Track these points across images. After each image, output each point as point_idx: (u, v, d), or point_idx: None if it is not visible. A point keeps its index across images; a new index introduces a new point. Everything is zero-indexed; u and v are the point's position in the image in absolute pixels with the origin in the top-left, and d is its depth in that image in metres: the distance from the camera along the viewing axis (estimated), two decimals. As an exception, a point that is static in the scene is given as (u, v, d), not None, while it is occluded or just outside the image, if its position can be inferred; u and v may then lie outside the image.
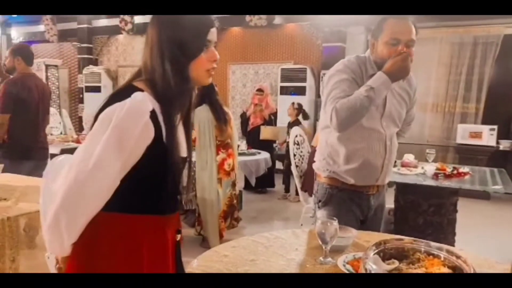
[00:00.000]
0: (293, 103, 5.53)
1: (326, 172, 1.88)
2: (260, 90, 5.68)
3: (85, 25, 8.79)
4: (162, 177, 1.07)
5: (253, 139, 5.52)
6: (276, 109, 6.01)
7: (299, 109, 5.47)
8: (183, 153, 1.16)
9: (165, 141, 1.04)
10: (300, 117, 5.48)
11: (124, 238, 1.06)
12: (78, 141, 4.94)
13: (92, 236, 1.04)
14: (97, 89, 8.60)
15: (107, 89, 8.67)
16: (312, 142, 4.08)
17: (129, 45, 8.68)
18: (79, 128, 8.65)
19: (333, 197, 1.87)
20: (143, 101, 1.01)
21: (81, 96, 9.11)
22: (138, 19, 8.01)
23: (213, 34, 1.10)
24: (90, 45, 9.02)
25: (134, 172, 1.02)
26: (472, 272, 0.96)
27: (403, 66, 1.63)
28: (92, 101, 8.49)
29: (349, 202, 1.85)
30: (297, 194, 5.33)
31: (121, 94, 1.03)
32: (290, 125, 5.24)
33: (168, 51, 1.05)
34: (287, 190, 5.49)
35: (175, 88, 1.05)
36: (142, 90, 1.04)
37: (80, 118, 9.03)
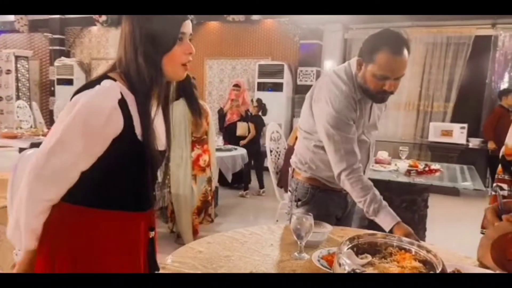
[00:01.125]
0: (252, 100, 5.63)
1: (307, 173, 1.85)
2: (237, 85, 5.67)
3: (57, 16, 8.53)
4: (134, 171, 1.05)
5: (230, 135, 5.51)
6: None
7: (259, 105, 5.53)
8: (161, 146, 1.14)
9: (138, 133, 1.02)
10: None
11: (90, 233, 1.04)
12: (49, 135, 4.79)
13: (57, 230, 1.02)
14: (69, 82, 8.38)
15: (80, 82, 8.45)
16: (288, 140, 4.10)
17: (103, 37, 8.49)
18: (50, 121, 8.41)
19: (315, 197, 1.84)
20: (111, 88, 1.01)
21: (52, 89, 8.86)
22: (113, 11, 7.83)
23: (187, 26, 1.08)
24: (63, 37, 8.78)
25: (101, 164, 1.01)
26: (441, 265, 0.99)
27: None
28: (64, 94, 8.27)
29: (329, 202, 1.86)
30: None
31: (93, 83, 1.03)
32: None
33: (141, 45, 1.04)
34: (261, 186, 5.53)
35: (149, 82, 1.04)
36: (114, 80, 1.03)
37: (51, 112, 8.77)
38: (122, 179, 1.05)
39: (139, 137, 1.03)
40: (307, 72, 6.68)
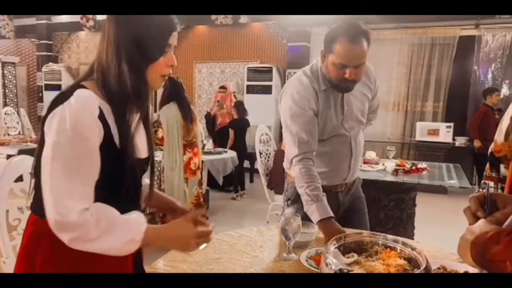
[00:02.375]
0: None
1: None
2: (223, 87, 5.69)
3: (44, 21, 8.47)
4: (116, 180, 1.02)
5: (222, 138, 5.51)
6: None
7: (238, 108, 5.58)
8: (143, 154, 1.12)
9: (117, 143, 1.00)
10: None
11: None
12: (36, 142, 4.75)
13: (38, 245, 1.01)
14: (57, 88, 8.29)
15: (68, 88, 8.40)
16: (282, 146, 4.13)
17: (91, 42, 8.44)
18: (38, 128, 8.32)
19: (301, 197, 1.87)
20: (90, 98, 0.97)
21: (40, 94, 8.78)
22: (101, 16, 7.80)
23: (174, 38, 1.07)
24: (50, 42, 8.71)
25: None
26: (425, 262, 1.02)
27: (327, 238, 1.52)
28: (52, 100, 8.19)
29: None
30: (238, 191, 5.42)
31: (64, 94, 0.98)
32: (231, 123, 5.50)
33: (126, 52, 1.01)
34: (242, 188, 5.56)
35: (131, 90, 1.01)
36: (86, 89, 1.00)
37: (40, 118, 8.66)
38: (105, 188, 1.01)
39: (118, 146, 1.00)
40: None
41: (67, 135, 0.93)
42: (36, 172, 1.01)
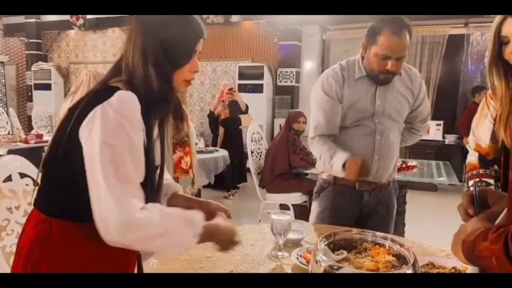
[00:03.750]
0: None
1: (321, 167, 1.94)
2: (232, 89, 5.64)
3: (33, 20, 8.37)
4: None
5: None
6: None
7: (230, 108, 5.54)
8: (157, 161, 1.09)
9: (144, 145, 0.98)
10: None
11: (88, 250, 0.99)
12: (26, 141, 4.71)
13: (46, 248, 0.97)
14: (47, 87, 8.23)
15: (58, 87, 8.33)
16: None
17: (81, 41, 8.37)
18: (27, 127, 8.24)
19: (324, 191, 1.91)
20: (133, 98, 0.95)
21: (29, 94, 8.68)
22: (91, 14, 7.74)
23: (200, 45, 1.06)
24: (39, 41, 8.61)
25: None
26: (413, 259, 1.03)
27: (351, 173, 1.65)
28: (41, 99, 8.13)
29: (338, 197, 1.87)
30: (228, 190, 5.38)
31: (97, 95, 0.95)
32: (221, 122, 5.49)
33: (153, 57, 0.99)
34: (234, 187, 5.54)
35: (158, 95, 1.00)
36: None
37: (29, 117, 8.59)
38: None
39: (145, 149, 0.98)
40: (287, 73, 6.73)
41: (115, 133, 0.90)
42: (48, 169, 1.00)
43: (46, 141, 4.86)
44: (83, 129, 0.92)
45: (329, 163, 1.74)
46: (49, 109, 7.77)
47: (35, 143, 4.67)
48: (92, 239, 0.93)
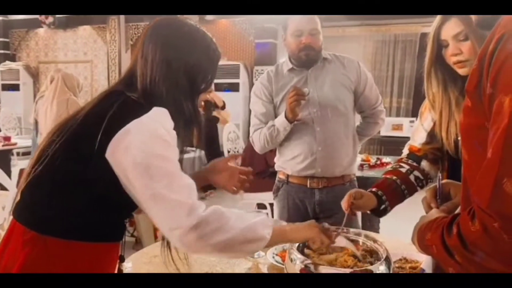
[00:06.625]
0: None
1: (277, 166, 1.98)
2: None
3: (0, 18, 8.08)
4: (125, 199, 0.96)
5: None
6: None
7: (206, 107, 5.52)
8: None
9: None
10: None
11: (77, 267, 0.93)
12: (-7, 143, 4.54)
13: (36, 266, 0.90)
14: (15, 87, 7.95)
15: (27, 87, 8.06)
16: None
17: (51, 40, 8.12)
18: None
19: (279, 190, 1.95)
20: (168, 115, 0.95)
21: (-3, 95, 8.38)
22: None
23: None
24: (7, 40, 8.31)
25: (95, 192, 0.92)
26: (385, 253, 1.04)
27: (290, 105, 1.72)
28: (10, 100, 7.83)
29: (294, 196, 1.89)
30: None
31: (130, 110, 0.93)
32: None
33: (178, 83, 0.99)
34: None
35: (189, 119, 1.01)
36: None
37: (-3, 119, 8.31)
38: (114, 207, 0.96)
39: None
40: (263, 71, 6.70)
41: (161, 145, 0.91)
42: (43, 184, 0.93)
43: (15, 144, 4.70)
44: (117, 145, 0.89)
45: (274, 129, 1.81)
46: (18, 110, 7.51)
47: (3, 146, 4.51)
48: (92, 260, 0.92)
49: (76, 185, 0.92)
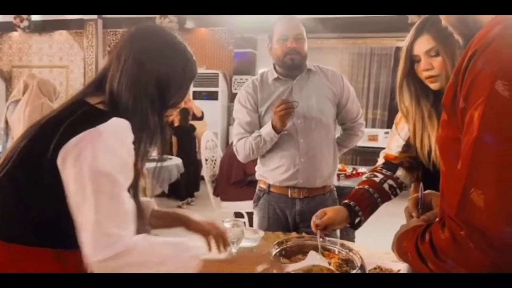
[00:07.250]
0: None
1: (258, 176, 1.97)
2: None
3: (-28, 20, 7.85)
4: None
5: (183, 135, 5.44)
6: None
7: (182, 115, 5.51)
8: None
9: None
10: None
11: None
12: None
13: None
14: (-13, 92, 7.72)
15: (-1, 92, 7.83)
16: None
17: (25, 44, 7.93)
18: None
19: (260, 199, 1.93)
20: (129, 127, 0.90)
21: (-33, 99, 8.10)
22: (36, 16, 7.37)
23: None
24: (-22, 43, 8.08)
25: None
26: (360, 262, 1.06)
27: (279, 117, 1.70)
28: (-20, 105, 7.59)
29: (273, 205, 1.89)
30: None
31: (88, 118, 0.89)
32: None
33: (149, 93, 0.94)
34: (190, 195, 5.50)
35: (153, 131, 0.96)
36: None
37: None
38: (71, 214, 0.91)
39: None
40: (242, 80, 6.76)
41: (109, 161, 0.85)
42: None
43: (-15, 149, 4.54)
44: (68, 152, 0.85)
45: (261, 139, 1.79)
46: (-11, 115, 7.28)
47: (-28, 151, 4.34)
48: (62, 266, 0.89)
49: (34, 192, 0.89)
